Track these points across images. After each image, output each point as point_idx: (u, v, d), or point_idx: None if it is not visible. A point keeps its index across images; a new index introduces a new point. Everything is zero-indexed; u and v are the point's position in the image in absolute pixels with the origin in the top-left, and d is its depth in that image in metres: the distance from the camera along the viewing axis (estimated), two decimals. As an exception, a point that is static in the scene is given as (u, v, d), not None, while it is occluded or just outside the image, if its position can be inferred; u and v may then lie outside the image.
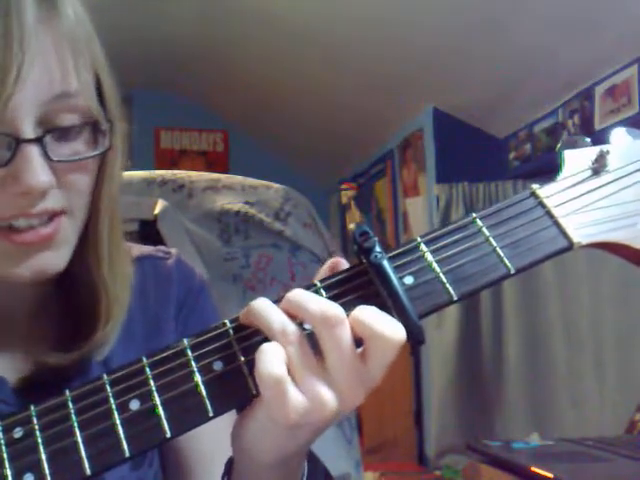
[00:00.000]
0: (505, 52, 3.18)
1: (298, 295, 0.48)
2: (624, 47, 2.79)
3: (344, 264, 0.52)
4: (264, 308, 0.49)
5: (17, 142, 0.52)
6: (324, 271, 0.52)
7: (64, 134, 0.56)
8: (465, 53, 3.30)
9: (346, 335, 0.47)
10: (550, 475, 1.77)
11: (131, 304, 0.68)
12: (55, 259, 0.57)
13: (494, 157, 3.82)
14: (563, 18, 2.80)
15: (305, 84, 4.24)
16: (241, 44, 4.04)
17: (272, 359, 0.46)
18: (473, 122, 3.82)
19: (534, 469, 1.85)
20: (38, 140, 0.53)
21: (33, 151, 0.53)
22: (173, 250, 0.76)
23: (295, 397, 0.47)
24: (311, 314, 0.47)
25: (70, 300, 0.65)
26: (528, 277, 3.44)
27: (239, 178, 1.12)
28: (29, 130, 0.53)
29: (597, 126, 3.03)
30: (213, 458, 0.70)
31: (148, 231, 1.05)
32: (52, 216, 0.56)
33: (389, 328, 0.47)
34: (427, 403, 3.91)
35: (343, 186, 4.93)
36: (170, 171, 1.14)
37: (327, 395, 0.47)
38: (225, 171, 4.32)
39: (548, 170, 3.37)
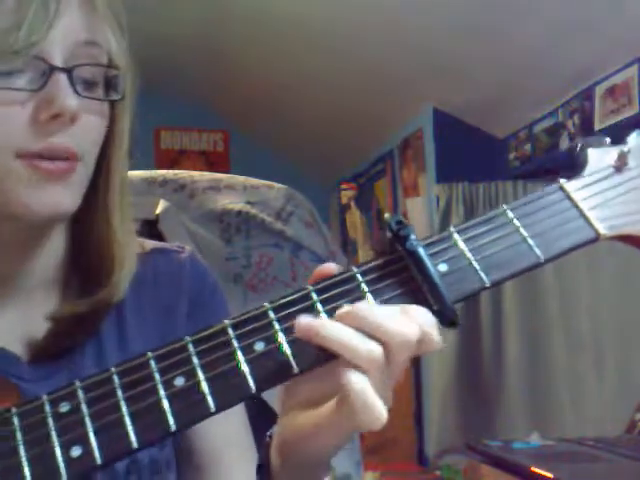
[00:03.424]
0: (505, 52, 3.18)
1: (374, 313, 0.49)
2: (624, 47, 2.79)
3: (334, 268, 0.53)
4: (341, 332, 0.48)
5: (51, 69, 0.58)
6: (314, 278, 0.53)
7: (87, 81, 0.61)
8: (465, 53, 3.29)
9: (411, 352, 0.49)
10: (550, 475, 1.77)
11: (144, 292, 0.71)
12: (69, 198, 0.60)
13: (494, 157, 3.82)
14: (563, 18, 2.80)
15: (305, 84, 4.24)
16: (241, 44, 4.04)
17: (367, 390, 0.48)
18: (473, 122, 3.82)
19: (534, 469, 1.84)
20: (69, 71, 0.59)
21: (64, 78, 0.58)
22: (187, 247, 0.78)
23: (383, 412, 0.49)
24: (391, 335, 0.48)
25: (80, 254, 0.68)
26: (528, 277, 3.43)
27: (241, 178, 1.12)
28: (60, 61, 0.59)
29: (597, 126, 3.03)
30: (223, 459, 0.72)
31: (149, 231, 1.05)
32: (70, 158, 0.60)
33: (407, 329, 0.49)
34: (427, 403, 3.91)
35: (343, 186, 4.93)
36: (171, 171, 1.14)
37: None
38: (225, 171, 4.31)
39: (549, 170, 3.38)
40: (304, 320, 0.49)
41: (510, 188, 3.67)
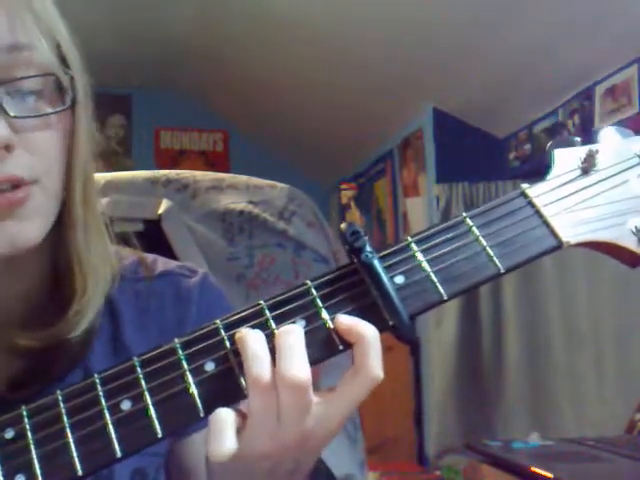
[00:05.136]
0: (505, 52, 3.18)
1: (286, 344, 0.47)
2: (624, 47, 2.79)
3: None
4: (255, 351, 0.47)
5: None
6: None
7: (23, 93, 0.53)
8: (465, 53, 3.29)
9: (307, 400, 0.47)
10: (550, 475, 1.77)
11: (150, 319, 0.67)
12: (27, 230, 0.54)
13: (494, 157, 3.82)
14: (563, 18, 2.80)
15: (305, 84, 4.24)
16: (241, 44, 4.04)
17: (220, 425, 0.47)
18: (473, 122, 3.82)
19: (534, 469, 1.84)
20: None
21: None
22: (201, 270, 0.73)
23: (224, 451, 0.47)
24: (280, 367, 0.46)
25: (56, 280, 0.62)
26: (528, 277, 3.44)
27: (244, 178, 1.12)
28: None
29: (597, 126, 3.03)
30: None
31: (152, 231, 1.05)
32: (20, 185, 0.53)
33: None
34: (427, 403, 3.91)
35: (343, 186, 4.93)
36: (174, 171, 1.14)
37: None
38: (225, 171, 4.28)
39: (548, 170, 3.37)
40: (244, 330, 0.48)
41: (510, 188, 3.67)
